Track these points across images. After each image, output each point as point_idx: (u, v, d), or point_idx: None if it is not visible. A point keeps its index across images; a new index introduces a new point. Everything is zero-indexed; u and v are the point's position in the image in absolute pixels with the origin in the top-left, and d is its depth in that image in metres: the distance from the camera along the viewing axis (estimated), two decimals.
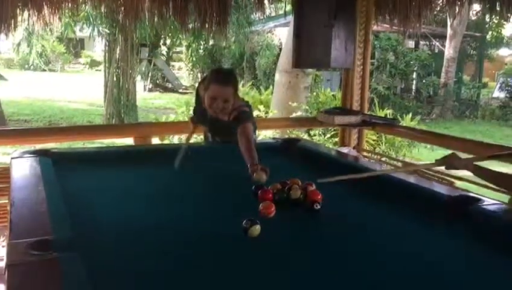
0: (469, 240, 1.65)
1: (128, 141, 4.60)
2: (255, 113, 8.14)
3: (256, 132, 3.05)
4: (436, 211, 1.84)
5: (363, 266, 1.47)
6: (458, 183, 3.62)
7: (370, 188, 2.17)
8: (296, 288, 1.32)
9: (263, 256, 1.52)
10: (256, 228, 1.60)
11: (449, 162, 2.05)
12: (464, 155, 2.39)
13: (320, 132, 7.18)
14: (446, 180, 3.74)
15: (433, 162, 2.16)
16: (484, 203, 1.83)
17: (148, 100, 15.28)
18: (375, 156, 5.42)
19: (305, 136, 6.81)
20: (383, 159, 5.20)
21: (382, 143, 6.62)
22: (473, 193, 3.01)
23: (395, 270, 1.45)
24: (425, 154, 7.34)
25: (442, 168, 2.59)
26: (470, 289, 1.32)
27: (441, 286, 1.34)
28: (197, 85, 3.14)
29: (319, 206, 1.89)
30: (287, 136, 5.56)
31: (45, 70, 21.98)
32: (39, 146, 3.36)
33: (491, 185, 2.31)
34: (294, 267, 1.44)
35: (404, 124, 6.88)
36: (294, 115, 7.55)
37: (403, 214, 1.92)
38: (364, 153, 5.10)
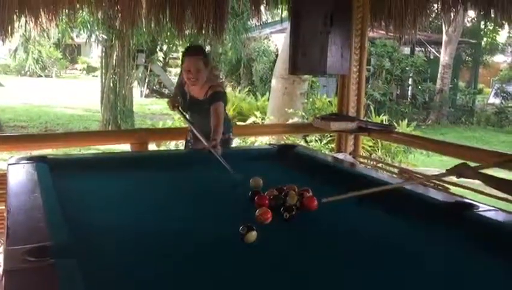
0: (465, 245, 1.66)
1: (125, 147, 4.61)
2: (251, 119, 8.17)
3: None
4: (433, 217, 1.85)
5: (359, 269, 1.48)
6: (453, 189, 3.64)
7: (367, 195, 2.17)
8: None
9: (260, 262, 1.52)
10: (253, 234, 1.60)
11: (459, 171, 2.04)
12: (458, 162, 2.41)
13: (317, 138, 7.19)
14: (441, 186, 3.75)
15: (444, 172, 2.15)
16: (480, 209, 1.83)
17: (145, 106, 15.27)
18: (372, 162, 5.43)
19: (302, 142, 6.83)
20: (380, 165, 5.21)
21: (378, 149, 6.64)
22: (468, 199, 3.04)
23: (395, 274, 1.45)
24: (421, 160, 7.37)
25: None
26: None
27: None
28: None
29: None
30: (283, 143, 5.57)
31: (41, 76, 21.94)
32: (36, 152, 3.36)
33: (501, 194, 2.29)
34: (292, 273, 1.44)
35: (400, 130, 6.90)
36: (290, 121, 7.57)
37: (399, 219, 1.93)
38: (361, 159, 5.11)
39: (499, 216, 1.81)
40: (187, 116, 3.34)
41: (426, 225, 1.84)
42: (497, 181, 2.00)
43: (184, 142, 3.78)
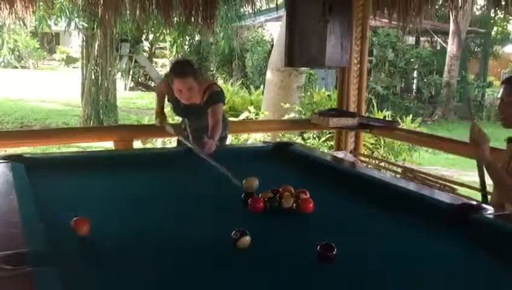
0: (472, 248, 1.68)
1: (108, 144, 4.60)
2: (245, 115, 8.18)
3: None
4: (438, 220, 1.86)
5: (360, 274, 1.49)
6: (460, 189, 3.67)
7: (370, 196, 2.19)
8: None
9: (254, 267, 1.53)
10: (246, 239, 1.61)
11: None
12: (466, 161, 2.46)
13: (315, 135, 7.22)
14: (448, 186, 3.78)
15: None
16: (488, 212, 1.85)
17: (129, 100, 15.25)
18: (373, 161, 5.46)
19: (299, 140, 6.85)
20: (382, 164, 5.24)
21: (381, 147, 6.67)
22: (475, 200, 3.07)
23: (396, 277, 1.47)
24: (427, 158, 7.41)
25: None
26: None
27: None
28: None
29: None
30: (278, 140, 5.58)
31: (17, 67, 21.85)
32: (10, 150, 3.35)
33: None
34: (283, 278, 1.45)
35: (404, 127, 6.94)
36: (286, 116, 7.57)
37: (403, 221, 1.94)
38: (362, 158, 5.13)
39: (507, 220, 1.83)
40: (189, 137, 3.27)
41: (431, 229, 1.85)
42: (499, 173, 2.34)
43: (176, 139, 3.76)
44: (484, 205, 1.95)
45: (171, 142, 5.35)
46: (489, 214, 1.85)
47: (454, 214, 1.88)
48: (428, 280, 1.48)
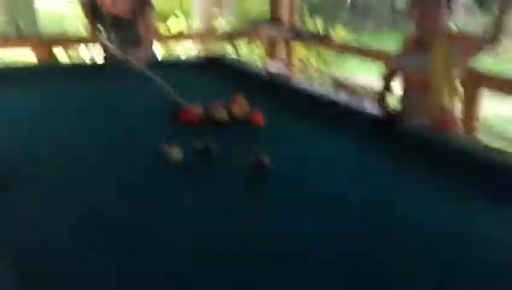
0: (396, 156, 1.78)
1: (28, 54, 4.39)
2: (172, 21, 7.89)
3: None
4: (363, 129, 1.95)
5: (293, 184, 1.56)
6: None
7: (301, 109, 2.25)
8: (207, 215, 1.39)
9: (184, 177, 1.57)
10: (177, 151, 1.63)
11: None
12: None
13: (248, 46, 7.15)
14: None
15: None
16: (412, 121, 1.95)
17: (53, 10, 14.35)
18: (306, 72, 5.53)
19: (231, 50, 6.77)
20: (314, 75, 5.33)
21: (314, 57, 6.72)
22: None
23: (329, 193, 1.55)
24: (358, 68, 7.55)
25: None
26: (399, 207, 1.45)
27: (369, 205, 1.46)
28: None
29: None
30: (210, 51, 5.49)
31: None
32: None
33: None
34: (207, 189, 1.51)
35: (336, 37, 6.98)
36: (218, 25, 7.42)
37: (334, 134, 2.03)
38: (295, 69, 5.19)
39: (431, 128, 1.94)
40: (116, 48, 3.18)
41: (360, 140, 1.94)
42: None
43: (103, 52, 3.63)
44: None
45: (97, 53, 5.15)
46: (413, 122, 1.95)
47: (381, 123, 1.97)
48: (352, 184, 1.58)
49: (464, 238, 1.27)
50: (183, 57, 5.43)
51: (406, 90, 2.70)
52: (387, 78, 2.87)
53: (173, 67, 3.08)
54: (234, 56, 5.79)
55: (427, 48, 2.56)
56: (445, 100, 2.55)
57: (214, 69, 3.02)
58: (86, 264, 1.11)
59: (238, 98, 2.18)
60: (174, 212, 1.37)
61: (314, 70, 5.75)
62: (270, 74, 3.09)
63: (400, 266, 1.15)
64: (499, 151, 1.66)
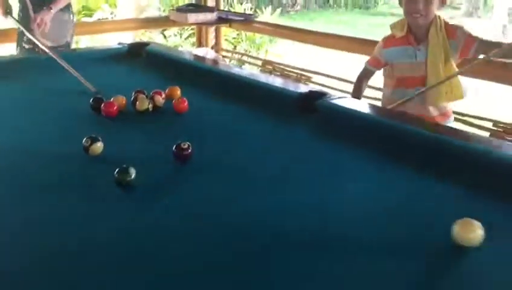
0: (317, 133, 1.84)
1: None
2: (98, 15, 7.74)
3: None
4: (285, 109, 2.00)
5: (216, 169, 1.59)
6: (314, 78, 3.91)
7: (228, 92, 2.27)
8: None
9: (107, 171, 1.56)
10: (98, 146, 1.62)
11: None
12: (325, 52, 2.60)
13: (176, 33, 7.08)
14: (304, 76, 4.00)
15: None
16: (331, 97, 2.01)
17: None
18: (236, 56, 5.55)
19: (160, 38, 6.69)
20: (244, 58, 5.35)
21: (243, 41, 6.74)
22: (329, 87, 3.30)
23: (246, 166, 1.59)
24: (288, 50, 7.63)
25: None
26: (318, 181, 1.51)
27: (289, 182, 1.51)
28: None
29: None
30: (138, 39, 5.41)
31: None
32: None
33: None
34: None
35: (264, 19, 7.02)
36: (145, 14, 7.30)
37: (251, 113, 2.07)
38: (224, 53, 5.20)
39: (351, 103, 2.01)
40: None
41: (277, 118, 1.98)
42: None
43: (16, 44, 3.53)
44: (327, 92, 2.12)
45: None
46: (334, 99, 2.01)
47: (301, 101, 2.02)
48: (276, 166, 1.62)
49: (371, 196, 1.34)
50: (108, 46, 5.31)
51: (393, 85, 2.62)
52: (361, 79, 2.77)
53: (96, 56, 3.01)
54: (162, 44, 5.72)
55: (419, 40, 2.49)
56: (444, 98, 2.50)
57: (139, 58, 2.97)
58: None
59: (161, 92, 2.17)
60: (98, 206, 1.36)
61: (243, 53, 5.77)
62: (197, 58, 3.08)
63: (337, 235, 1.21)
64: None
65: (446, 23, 2.49)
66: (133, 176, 1.41)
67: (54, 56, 2.57)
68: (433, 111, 2.55)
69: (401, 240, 1.19)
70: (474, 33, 2.48)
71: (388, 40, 2.62)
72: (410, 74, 2.55)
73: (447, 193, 1.41)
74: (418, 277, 1.07)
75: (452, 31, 2.48)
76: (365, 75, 2.78)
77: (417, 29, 2.50)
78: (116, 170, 1.42)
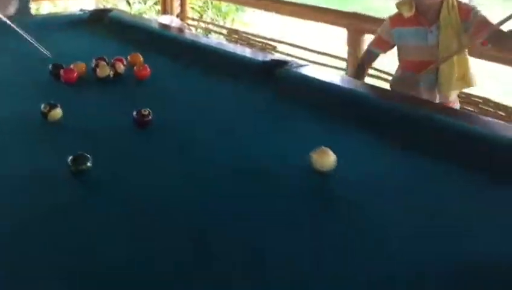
0: (276, 99, 1.88)
1: None
2: None
3: None
4: (247, 76, 2.02)
5: (175, 137, 1.61)
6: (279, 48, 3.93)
7: (191, 60, 2.28)
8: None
9: (66, 139, 1.56)
10: (57, 112, 1.61)
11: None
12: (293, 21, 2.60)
13: (140, 0, 6.94)
14: (269, 45, 4.01)
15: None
16: (292, 66, 2.04)
17: None
18: (202, 25, 5.49)
19: (124, 6, 6.55)
20: (210, 27, 5.30)
21: (209, 9, 6.65)
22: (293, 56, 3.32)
23: (205, 131, 1.63)
24: (255, 18, 7.55)
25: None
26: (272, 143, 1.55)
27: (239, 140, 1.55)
28: None
29: None
30: (102, 7, 5.30)
31: None
32: None
33: None
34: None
35: None
36: None
37: (213, 81, 2.09)
38: (189, 22, 5.14)
39: (311, 72, 2.04)
40: None
41: (240, 85, 2.01)
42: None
43: None
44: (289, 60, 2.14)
45: None
46: (295, 67, 2.04)
47: (263, 69, 2.05)
48: (237, 130, 1.66)
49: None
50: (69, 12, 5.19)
51: (401, 67, 2.43)
52: (365, 63, 2.57)
53: (56, 23, 2.96)
54: (126, 11, 5.62)
55: (430, 21, 2.25)
56: (455, 85, 2.29)
57: (101, 24, 2.93)
58: None
59: (123, 59, 2.15)
60: (57, 175, 1.36)
61: (209, 22, 5.72)
62: (162, 26, 3.05)
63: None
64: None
65: (459, 3, 2.24)
66: (88, 164, 1.31)
67: (7, 21, 2.48)
68: (442, 99, 2.32)
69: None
70: (489, 18, 2.20)
71: (396, 19, 2.34)
72: (418, 58, 2.32)
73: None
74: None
75: (466, 12, 2.22)
76: (369, 59, 2.55)
77: (425, 8, 2.25)
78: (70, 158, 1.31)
